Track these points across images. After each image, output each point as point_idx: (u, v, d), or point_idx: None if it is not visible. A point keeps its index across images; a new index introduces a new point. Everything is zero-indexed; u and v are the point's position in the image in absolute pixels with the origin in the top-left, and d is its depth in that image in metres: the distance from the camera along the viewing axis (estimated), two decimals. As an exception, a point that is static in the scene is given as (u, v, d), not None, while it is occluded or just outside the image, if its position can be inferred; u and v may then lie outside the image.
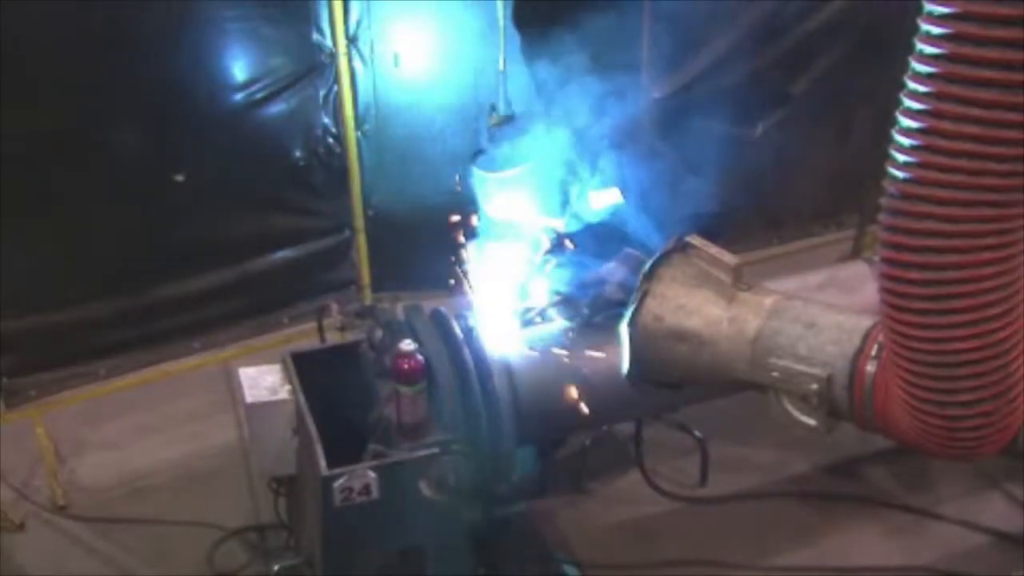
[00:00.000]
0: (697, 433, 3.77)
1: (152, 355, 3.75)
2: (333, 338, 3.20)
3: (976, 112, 1.55)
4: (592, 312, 2.90)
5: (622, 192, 3.00)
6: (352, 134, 3.83)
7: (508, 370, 2.71)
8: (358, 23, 3.67)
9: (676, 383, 2.68)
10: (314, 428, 2.56)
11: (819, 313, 2.29)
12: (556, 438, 3.51)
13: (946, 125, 1.59)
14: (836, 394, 2.20)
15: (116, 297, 3.60)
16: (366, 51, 3.73)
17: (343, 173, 3.90)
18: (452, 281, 3.00)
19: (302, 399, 2.68)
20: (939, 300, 1.75)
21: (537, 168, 2.90)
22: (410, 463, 2.52)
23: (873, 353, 2.13)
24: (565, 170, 2.98)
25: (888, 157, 1.72)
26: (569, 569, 3.25)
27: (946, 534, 3.50)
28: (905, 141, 1.67)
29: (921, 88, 1.61)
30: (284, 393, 2.75)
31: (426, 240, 3.43)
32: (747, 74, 4.02)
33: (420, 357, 2.53)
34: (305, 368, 2.79)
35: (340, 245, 4.04)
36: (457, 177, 3.15)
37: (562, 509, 3.58)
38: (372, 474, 2.46)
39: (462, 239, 2.98)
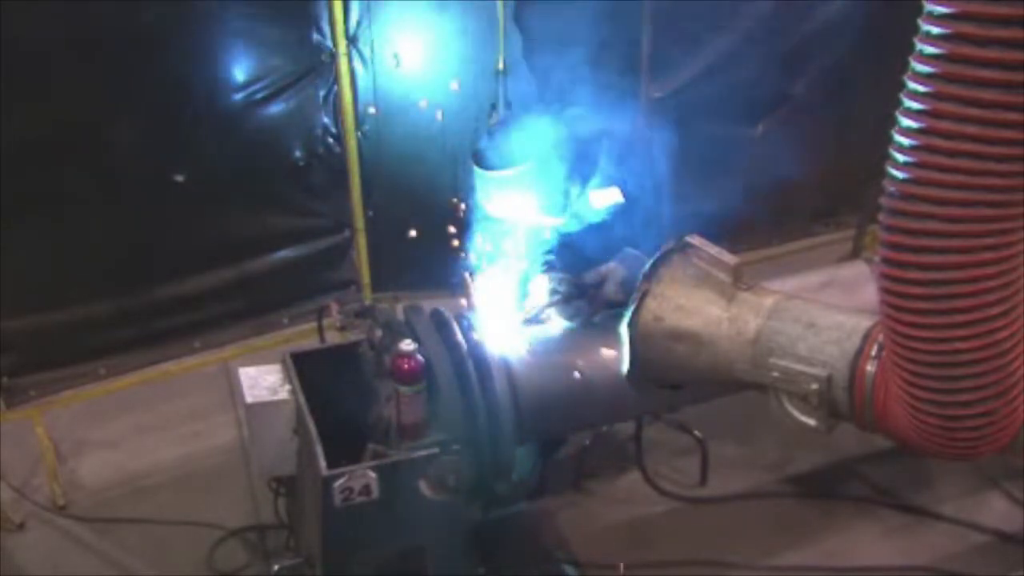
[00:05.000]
0: (697, 433, 3.77)
1: (152, 355, 3.76)
2: (333, 338, 3.20)
3: (976, 112, 1.55)
4: (592, 312, 2.90)
5: (622, 191, 3.00)
6: (352, 134, 3.83)
7: (508, 370, 2.71)
8: (358, 23, 3.67)
9: (676, 383, 2.67)
10: (314, 428, 2.56)
11: (819, 313, 2.29)
12: (556, 438, 3.52)
13: (946, 125, 1.59)
14: (836, 394, 2.19)
15: (116, 297, 3.60)
16: (366, 51, 3.73)
17: (343, 173, 3.90)
18: (455, 280, 3.01)
19: (302, 399, 2.68)
20: (939, 300, 1.75)
21: (537, 167, 2.90)
22: (410, 463, 2.52)
23: (873, 353, 2.13)
24: (565, 169, 2.98)
25: (888, 157, 1.72)
26: (568, 569, 3.25)
27: (946, 534, 3.50)
28: (905, 141, 1.67)
29: (921, 88, 1.61)
30: (284, 393, 2.75)
31: (426, 240, 3.44)
32: (747, 74, 4.02)
33: (420, 357, 2.53)
34: (305, 368, 2.79)
35: (340, 245, 4.04)
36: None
37: (562, 509, 3.58)
38: (372, 474, 2.46)
39: (461, 239, 2.98)
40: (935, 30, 1.56)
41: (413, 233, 3.32)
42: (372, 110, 3.78)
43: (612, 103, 3.09)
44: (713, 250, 2.49)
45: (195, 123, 3.50)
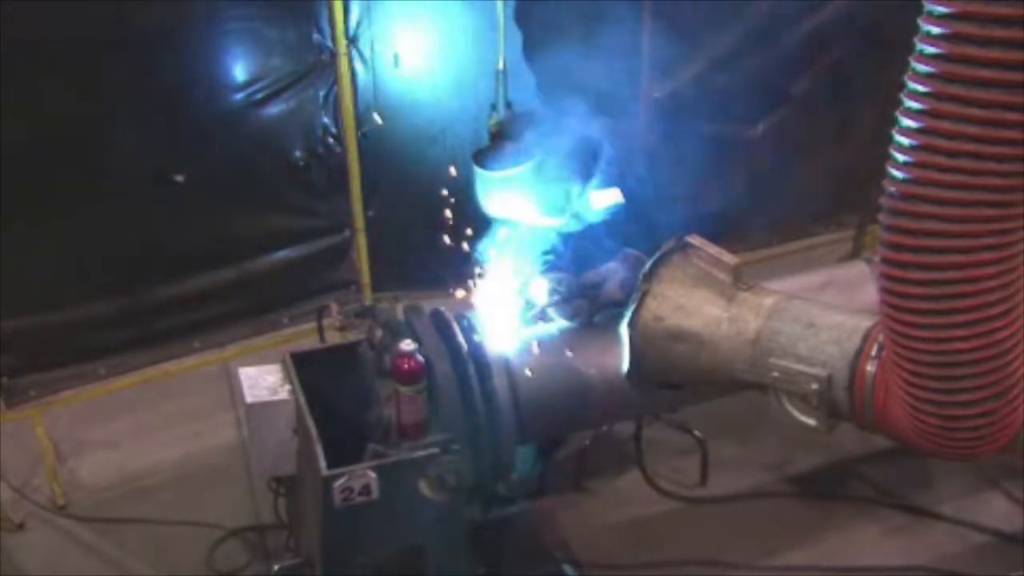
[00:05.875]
0: (697, 433, 3.77)
1: (152, 355, 3.75)
2: (333, 338, 3.20)
3: (976, 112, 1.55)
4: (592, 312, 2.90)
5: (622, 191, 3.00)
6: (352, 134, 3.83)
7: (508, 370, 2.70)
8: (358, 23, 3.67)
9: (676, 383, 2.68)
10: (314, 428, 2.55)
11: (819, 313, 2.29)
12: (556, 438, 3.52)
13: (946, 125, 1.59)
14: (836, 394, 2.20)
15: (116, 297, 3.60)
16: (366, 51, 3.73)
17: (343, 173, 3.90)
18: (453, 280, 3.00)
19: (302, 399, 2.67)
20: (939, 300, 1.75)
21: (538, 167, 2.90)
22: (410, 463, 2.52)
23: (873, 353, 2.13)
24: (566, 169, 2.98)
25: (888, 157, 1.72)
26: (568, 569, 3.25)
27: (946, 534, 3.50)
28: (905, 141, 1.67)
29: (921, 88, 1.61)
30: (284, 393, 2.75)
31: (426, 240, 3.44)
32: (747, 74, 4.03)
33: (420, 357, 2.53)
34: (305, 368, 2.79)
35: (340, 245, 4.04)
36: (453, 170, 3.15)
37: (562, 509, 3.57)
38: (372, 474, 2.45)
39: (463, 239, 2.98)
40: (935, 30, 1.56)
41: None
42: (378, 119, 3.76)
43: (612, 103, 3.09)
44: (713, 250, 2.49)
45: (195, 123, 3.50)
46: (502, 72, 3.38)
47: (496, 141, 2.99)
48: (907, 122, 1.65)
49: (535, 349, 2.78)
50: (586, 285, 2.92)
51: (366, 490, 2.46)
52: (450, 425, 2.58)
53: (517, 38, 3.56)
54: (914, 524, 3.56)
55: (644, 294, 2.51)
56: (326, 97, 3.75)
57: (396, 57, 3.75)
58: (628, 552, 3.41)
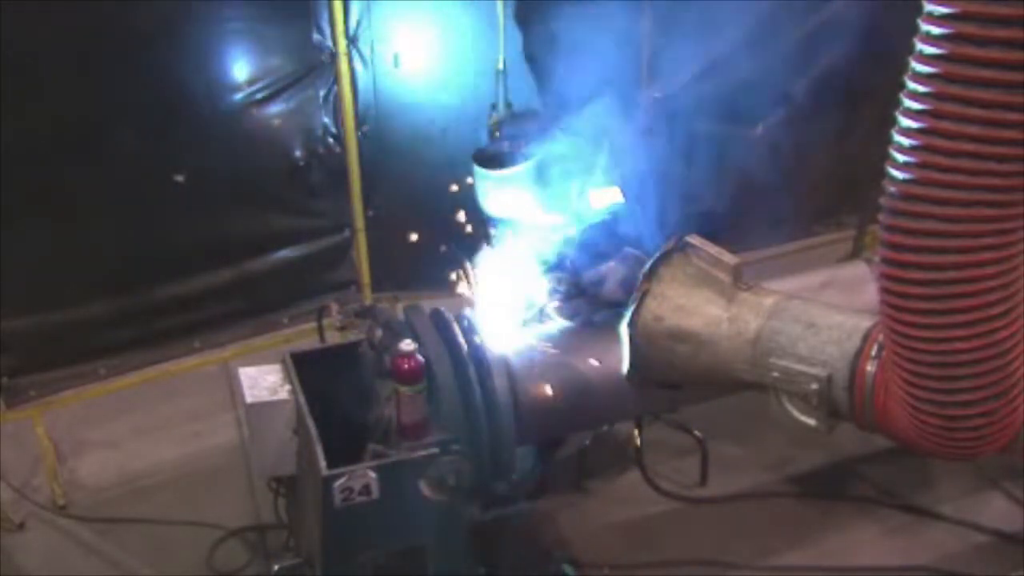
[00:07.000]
0: (697, 433, 3.77)
1: (152, 355, 3.76)
2: (333, 338, 3.20)
3: (976, 112, 1.55)
4: (592, 312, 2.90)
5: (622, 191, 3.00)
6: (352, 134, 3.83)
7: (508, 370, 2.70)
8: (358, 23, 3.68)
9: (676, 383, 2.68)
10: (314, 428, 2.55)
11: (819, 313, 2.29)
12: (556, 438, 3.51)
13: (946, 125, 1.59)
14: (836, 394, 2.20)
15: (116, 297, 3.60)
16: (366, 51, 3.73)
17: (343, 173, 3.90)
18: (453, 279, 3.01)
19: (302, 399, 2.68)
20: (939, 300, 1.75)
21: (537, 167, 2.90)
22: (410, 463, 2.52)
23: (873, 353, 2.13)
24: (565, 168, 2.98)
25: (888, 157, 1.72)
26: (568, 569, 3.25)
27: (946, 534, 3.50)
28: (905, 141, 1.67)
29: (921, 88, 1.61)
30: (284, 393, 2.75)
31: (426, 240, 3.44)
32: (747, 75, 4.02)
33: (420, 357, 2.53)
34: (305, 368, 2.79)
35: (340, 245, 4.04)
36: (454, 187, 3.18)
37: (562, 509, 3.58)
38: (372, 474, 2.46)
39: (462, 240, 2.98)
40: (935, 30, 1.56)
41: (414, 237, 3.28)
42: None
43: (612, 103, 3.09)
44: (713, 250, 2.49)
45: (195, 123, 3.50)
46: (502, 72, 3.38)
47: (496, 141, 2.99)
48: (907, 122, 1.65)
49: (536, 349, 2.78)
50: (586, 285, 2.92)
51: (366, 490, 2.46)
52: (450, 425, 2.59)
53: (517, 38, 3.55)
54: (914, 524, 3.56)
55: (644, 294, 2.51)
56: (326, 97, 3.76)
57: (396, 57, 3.75)
58: (628, 552, 3.41)
